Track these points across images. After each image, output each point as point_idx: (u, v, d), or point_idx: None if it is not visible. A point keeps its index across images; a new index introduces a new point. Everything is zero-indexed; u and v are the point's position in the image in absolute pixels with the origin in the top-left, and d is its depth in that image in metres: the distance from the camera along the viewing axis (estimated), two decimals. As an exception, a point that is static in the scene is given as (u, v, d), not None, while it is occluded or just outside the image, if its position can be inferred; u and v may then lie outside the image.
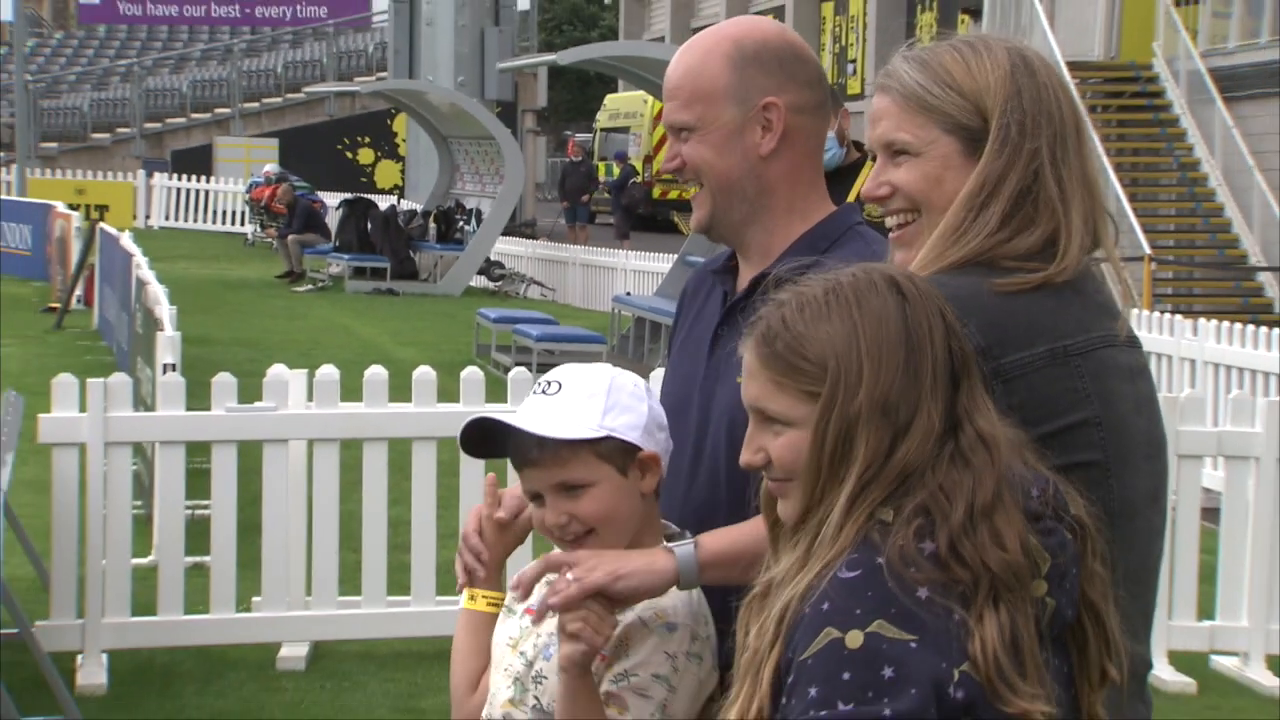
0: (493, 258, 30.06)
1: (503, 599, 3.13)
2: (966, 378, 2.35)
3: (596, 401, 2.95)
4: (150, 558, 8.40)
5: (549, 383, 3.01)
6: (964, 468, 2.27)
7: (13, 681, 6.87)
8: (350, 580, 8.34)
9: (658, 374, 3.62)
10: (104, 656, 8.01)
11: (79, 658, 7.96)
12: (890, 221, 2.84)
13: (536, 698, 2.95)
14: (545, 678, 2.93)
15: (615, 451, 2.94)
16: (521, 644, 3.03)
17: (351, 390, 8.43)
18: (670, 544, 2.92)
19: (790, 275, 2.46)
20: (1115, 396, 2.66)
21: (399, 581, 8.38)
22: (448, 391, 8.57)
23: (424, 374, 8.53)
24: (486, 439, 3.04)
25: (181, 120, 50.20)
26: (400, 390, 8.53)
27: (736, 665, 2.40)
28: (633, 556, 2.88)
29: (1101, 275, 2.81)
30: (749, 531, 2.82)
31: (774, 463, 2.38)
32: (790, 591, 2.28)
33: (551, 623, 2.89)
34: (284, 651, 8.14)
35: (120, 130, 49.57)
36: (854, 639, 2.15)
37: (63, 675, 7.48)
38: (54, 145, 46.78)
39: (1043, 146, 2.71)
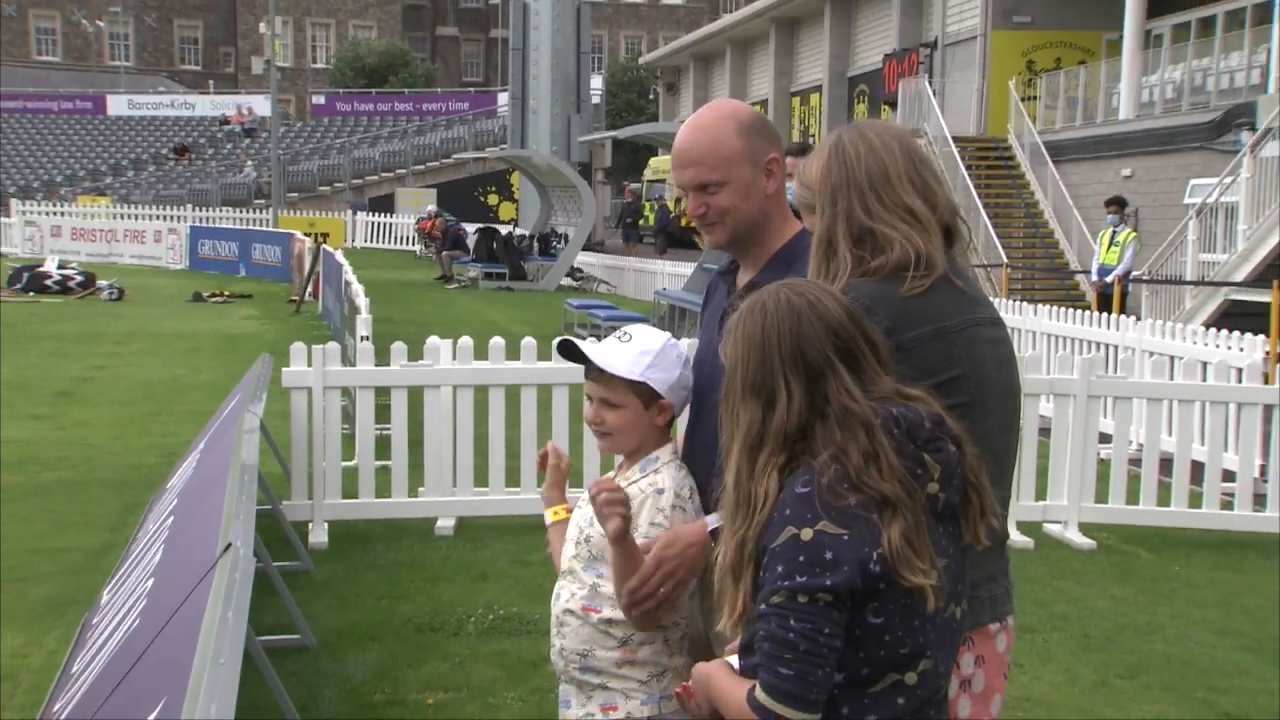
0: (575, 265, 30.10)
1: (568, 510, 3.10)
2: (829, 368, 2.30)
3: (646, 358, 2.93)
4: (353, 461, 8.49)
5: (625, 333, 3.00)
6: (846, 429, 2.25)
7: (267, 540, 6.94)
8: (481, 477, 8.42)
9: (688, 342, 3.59)
10: (325, 525, 8.12)
11: (309, 525, 8.08)
12: None
13: (588, 548, 2.94)
14: (590, 537, 2.94)
15: (645, 392, 2.93)
16: (579, 523, 3.01)
17: (480, 352, 8.51)
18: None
19: (740, 301, 2.46)
20: (979, 360, 2.64)
21: (513, 478, 8.48)
22: (544, 353, 8.64)
23: (528, 342, 8.59)
24: (573, 355, 2.99)
25: (375, 177, 50.43)
26: (514, 352, 8.56)
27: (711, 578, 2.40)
28: (684, 533, 2.87)
29: (976, 277, 2.78)
30: None
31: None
32: (740, 533, 2.28)
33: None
34: (439, 523, 8.21)
35: (336, 184, 49.79)
36: (806, 534, 2.17)
37: (299, 536, 7.66)
38: (295, 194, 46.99)
39: (853, 203, 2.68)
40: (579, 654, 2.93)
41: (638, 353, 2.95)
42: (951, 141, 26.17)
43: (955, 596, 2.31)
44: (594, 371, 2.96)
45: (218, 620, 3.33)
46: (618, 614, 2.88)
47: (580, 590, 2.95)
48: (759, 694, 2.19)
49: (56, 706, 4.74)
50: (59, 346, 17.39)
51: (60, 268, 26.65)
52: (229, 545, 3.99)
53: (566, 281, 29.18)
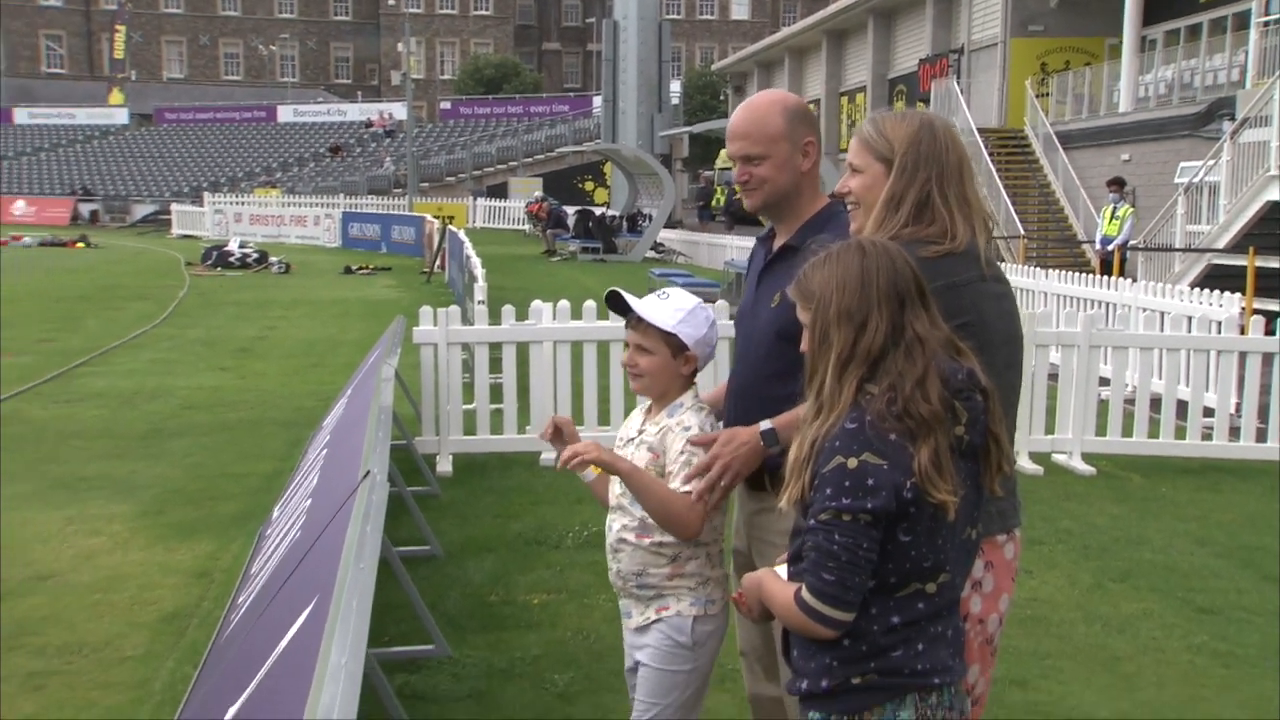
0: (658, 240, 29.99)
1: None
2: (910, 300, 2.25)
3: (679, 314, 2.91)
4: (472, 405, 8.55)
5: (665, 293, 2.99)
6: (909, 357, 2.21)
7: (402, 469, 7.04)
8: (578, 417, 8.38)
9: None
10: (450, 457, 8.15)
11: (437, 457, 8.12)
12: (849, 206, 2.79)
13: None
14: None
15: (675, 343, 2.90)
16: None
17: (576, 314, 8.47)
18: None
19: (820, 245, 2.37)
20: (984, 310, 2.60)
21: (604, 418, 8.49)
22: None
23: (589, 306, 8.59)
24: (618, 306, 2.96)
25: (491, 169, 50.53)
26: (604, 313, 8.45)
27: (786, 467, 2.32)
28: (740, 433, 2.84)
29: (982, 248, 2.68)
30: (794, 411, 2.71)
31: (804, 346, 2.34)
32: (816, 430, 2.23)
33: (631, 445, 2.93)
34: (543, 456, 8.19)
35: (460, 175, 49.98)
36: (852, 463, 2.15)
37: (428, 466, 7.75)
38: (426, 184, 47.27)
39: (931, 177, 2.64)
40: (634, 574, 2.92)
41: (673, 309, 2.93)
42: (976, 132, 25.71)
43: (972, 521, 2.29)
44: (634, 321, 2.93)
45: (358, 533, 3.38)
46: (666, 537, 2.87)
47: (630, 521, 2.92)
48: (805, 594, 2.20)
49: (240, 599, 4.85)
50: (239, 311, 17.68)
51: (240, 247, 27.08)
52: (368, 473, 4.04)
53: (650, 254, 29.11)
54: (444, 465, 8.06)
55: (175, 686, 4.48)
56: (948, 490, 2.16)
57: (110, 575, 5.81)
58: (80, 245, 32.66)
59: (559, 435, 2.99)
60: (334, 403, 8.09)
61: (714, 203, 40.33)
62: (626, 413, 8.65)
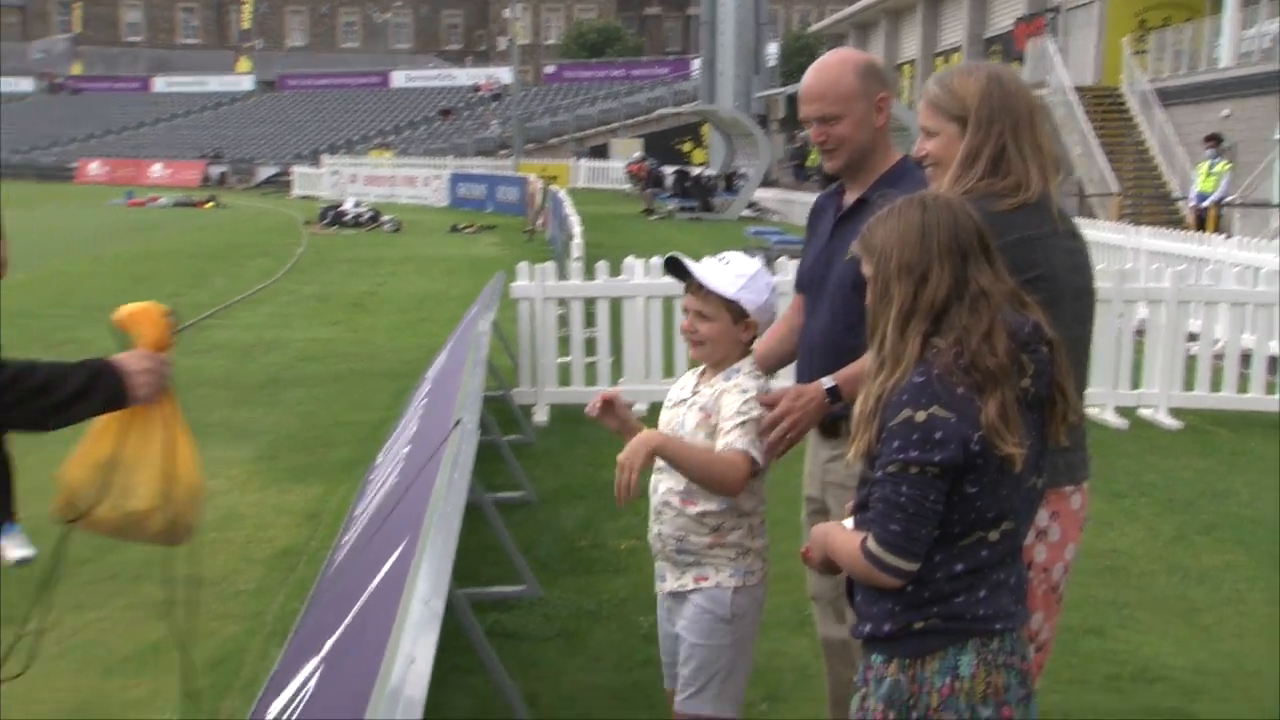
0: (753, 199, 29.73)
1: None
2: (973, 254, 2.18)
3: (741, 280, 2.78)
4: (568, 357, 8.59)
5: (724, 258, 2.84)
6: (974, 311, 2.15)
7: (500, 419, 7.13)
8: (669, 370, 8.39)
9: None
10: (546, 407, 8.21)
11: (533, 407, 8.19)
12: (927, 168, 2.74)
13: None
14: (681, 439, 2.76)
15: (735, 309, 2.78)
16: (670, 424, 2.86)
17: (669, 271, 8.46)
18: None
19: (884, 201, 2.31)
20: (1056, 264, 2.54)
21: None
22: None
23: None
24: (678, 271, 2.83)
25: (593, 130, 50.35)
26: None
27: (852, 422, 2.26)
28: (806, 389, 2.80)
29: (1054, 196, 2.63)
30: (855, 365, 2.71)
31: (868, 301, 2.29)
32: (880, 385, 2.18)
33: (683, 407, 2.82)
34: (635, 407, 8.09)
35: (563, 136, 49.97)
36: (920, 416, 2.10)
37: (525, 416, 7.82)
38: (531, 145, 47.31)
39: (1005, 129, 2.57)
40: (675, 539, 2.82)
41: (734, 275, 2.79)
42: (1072, 91, 24.93)
43: (1037, 470, 2.24)
44: (694, 286, 2.80)
45: (447, 478, 3.43)
46: (710, 506, 2.78)
47: (677, 485, 2.80)
48: (871, 544, 2.17)
49: (345, 539, 4.97)
50: (352, 268, 17.98)
51: (355, 206, 27.49)
52: (459, 421, 4.10)
53: (746, 212, 28.81)
54: (540, 415, 8.13)
55: (284, 619, 4.61)
56: (1014, 443, 2.11)
57: (228, 515, 5.99)
58: (210, 206, 33.51)
59: (609, 409, 2.84)
60: (436, 355, 8.19)
61: (808, 162, 39.80)
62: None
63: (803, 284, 3.15)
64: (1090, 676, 4.26)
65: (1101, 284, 8.22)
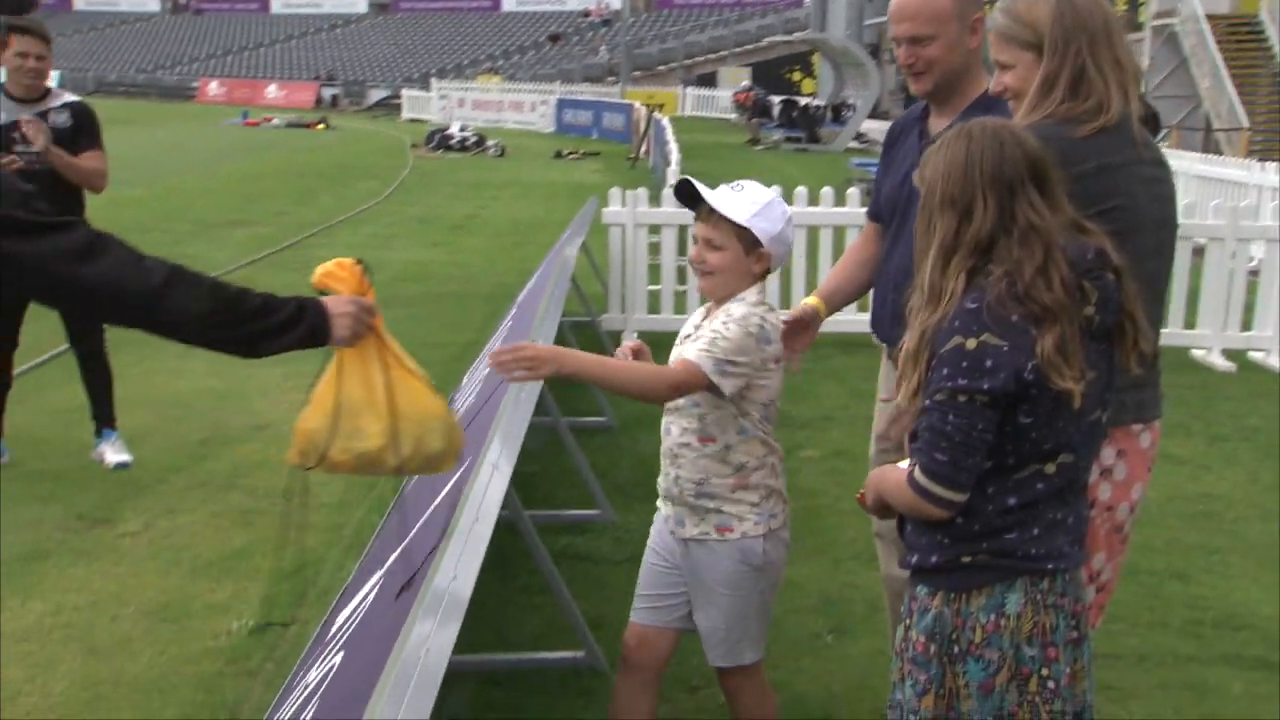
0: (860, 130, 29.11)
1: None
2: (1020, 186, 2.09)
3: (755, 207, 2.62)
4: (659, 285, 8.55)
5: (739, 185, 2.67)
6: (1025, 245, 2.07)
7: (588, 345, 7.15)
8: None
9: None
10: (634, 335, 8.14)
11: (622, 335, 8.15)
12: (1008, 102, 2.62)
13: None
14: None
15: (748, 239, 2.62)
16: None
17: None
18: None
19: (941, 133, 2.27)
20: (1136, 194, 2.43)
21: (785, 301, 8.36)
22: (813, 200, 8.45)
23: (800, 191, 8.40)
24: (688, 197, 2.67)
25: (702, 58, 49.67)
26: (791, 198, 8.39)
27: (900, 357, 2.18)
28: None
29: (1134, 125, 2.48)
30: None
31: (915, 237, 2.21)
32: (925, 320, 2.12)
33: (690, 342, 2.66)
34: None
35: (671, 64, 49.39)
36: (970, 343, 2.04)
37: (614, 343, 7.80)
38: (638, 72, 46.87)
39: (1083, 48, 2.45)
40: (695, 482, 2.69)
41: (748, 201, 2.63)
42: (1203, 19, 23.71)
43: (1102, 404, 2.16)
44: (704, 213, 2.65)
45: (511, 399, 3.44)
46: (731, 439, 2.66)
47: (690, 424, 2.67)
48: (917, 474, 2.13)
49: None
50: (456, 191, 18.12)
51: (461, 130, 27.63)
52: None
53: (853, 144, 28.22)
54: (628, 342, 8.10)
55: (362, 533, 4.71)
56: (1073, 377, 2.04)
57: (317, 429, 6.10)
58: (321, 127, 34.02)
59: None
60: (529, 280, 8.23)
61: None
62: (808, 293, 8.58)
63: (878, 212, 3.06)
64: (1170, 620, 4.15)
65: (1214, 221, 7.93)
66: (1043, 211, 2.11)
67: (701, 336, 2.62)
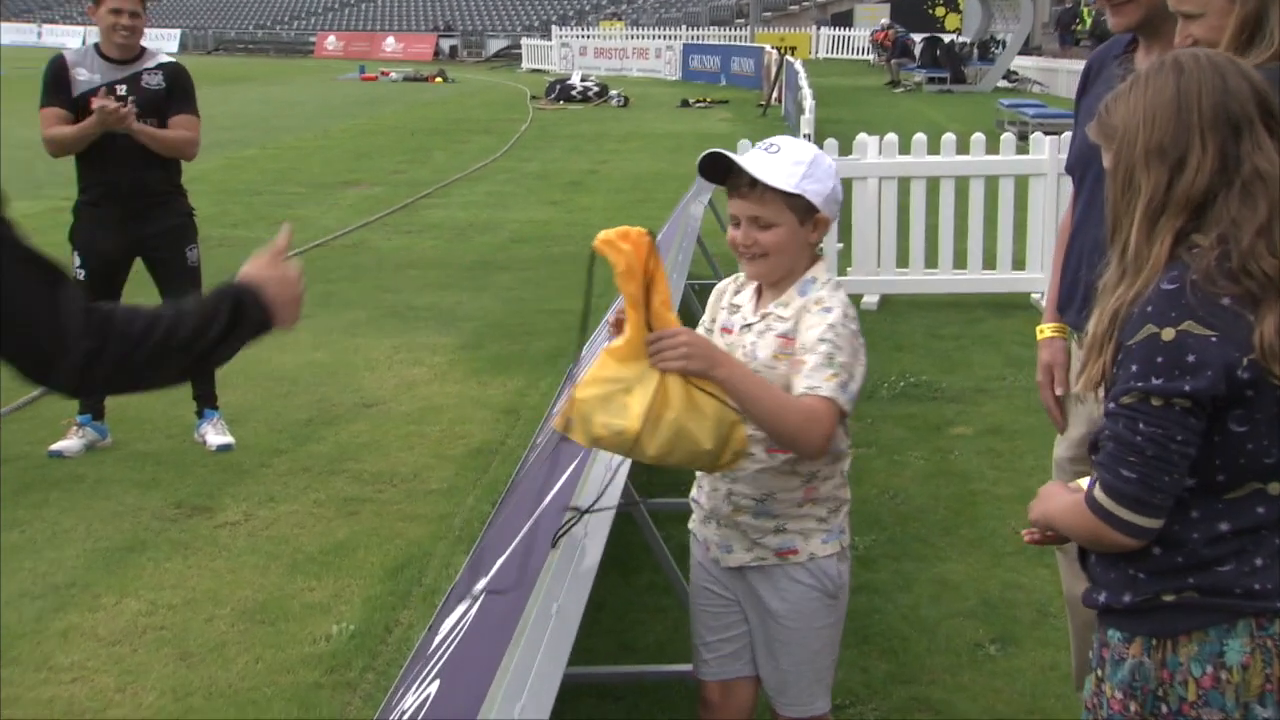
0: (1011, 68, 28.03)
1: None
2: (1247, 125, 1.79)
3: (800, 169, 2.29)
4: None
5: (771, 144, 2.35)
6: (1247, 200, 1.77)
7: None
8: (903, 259, 7.93)
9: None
10: (766, 297, 7.98)
11: (752, 297, 7.96)
12: None
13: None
14: (758, 371, 2.29)
15: (801, 207, 2.30)
16: (733, 354, 2.33)
17: (905, 148, 7.95)
18: None
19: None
20: None
21: (931, 260, 7.96)
22: (963, 146, 8.01)
23: (948, 138, 7.97)
24: (717, 171, 2.33)
25: (836, -5, 48.73)
26: (936, 147, 7.96)
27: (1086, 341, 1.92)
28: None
29: None
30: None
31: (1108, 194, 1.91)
32: (1119, 298, 1.83)
33: (749, 333, 2.37)
34: (865, 299, 7.79)
35: (804, 3, 48.46)
36: (1168, 334, 1.76)
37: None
38: (769, 14, 46.07)
39: None
40: (756, 499, 2.39)
41: (791, 163, 2.30)
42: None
43: None
44: (743, 187, 2.31)
45: None
46: None
47: (756, 430, 2.28)
48: (1098, 493, 1.83)
49: (539, 439, 4.89)
50: (575, 144, 17.98)
51: (582, 80, 27.49)
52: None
53: (1002, 84, 27.24)
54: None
55: (472, 524, 4.55)
56: None
57: (426, 406, 6.01)
58: (438, 80, 34.26)
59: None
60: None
61: (1078, 26, 37.17)
62: (958, 256, 8.23)
63: (1075, 166, 2.71)
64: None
65: None
66: (1273, 154, 1.80)
67: (803, 346, 2.29)
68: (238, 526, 4.54)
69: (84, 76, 5.05)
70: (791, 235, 2.32)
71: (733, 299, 2.47)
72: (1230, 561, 1.82)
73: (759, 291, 2.42)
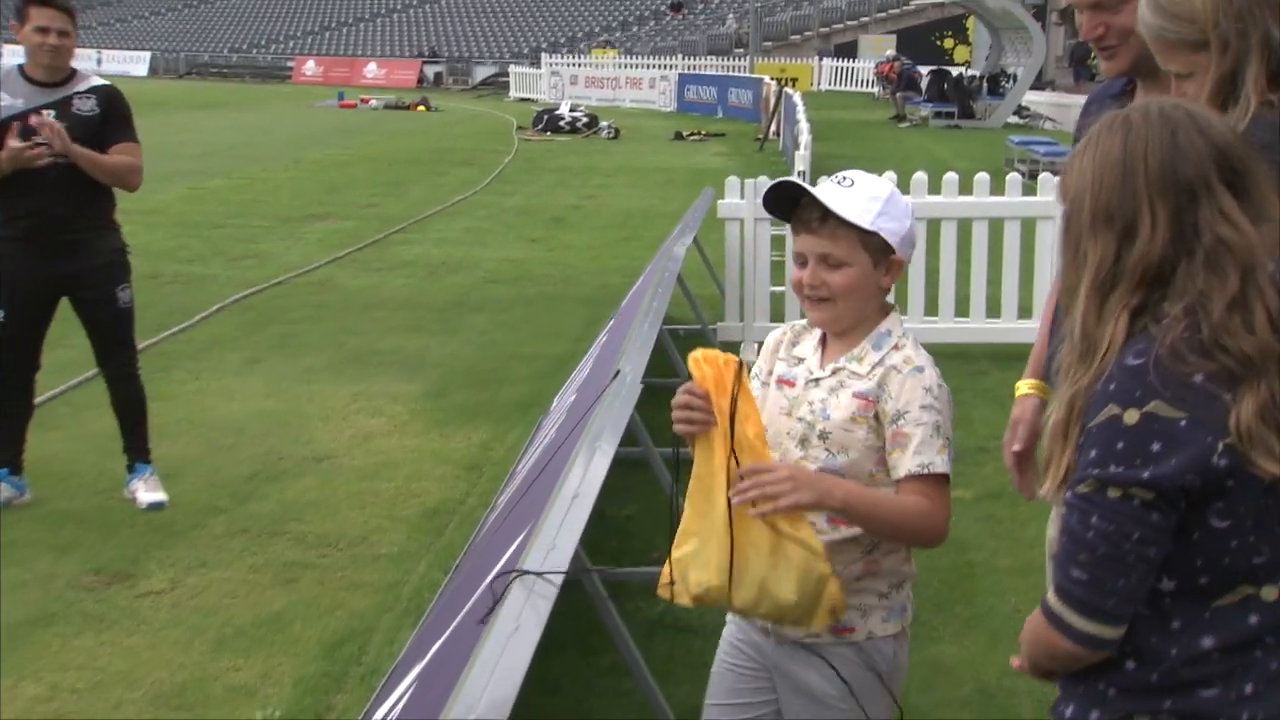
0: (1022, 104, 28.12)
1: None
2: (1205, 188, 1.67)
3: (876, 204, 2.21)
4: (782, 287, 8.10)
5: (845, 178, 2.26)
6: (1214, 270, 1.65)
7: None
8: (901, 303, 7.78)
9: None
10: (755, 346, 7.76)
11: (740, 346, 7.81)
12: None
13: (825, 445, 2.25)
14: (829, 432, 2.25)
15: (876, 247, 2.23)
16: (798, 413, 2.29)
17: (904, 187, 7.85)
18: None
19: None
20: None
21: (959, 306, 7.85)
22: (965, 187, 7.90)
23: (950, 177, 7.86)
24: (782, 205, 2.28)
25: (840, 25, 48.94)
26: (938, 186, 7.86)
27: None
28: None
29: None
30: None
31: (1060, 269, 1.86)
32: (1074, 382, 1.72)
33: (817, 389, 2.29)
34: None
35: (806, 33, 48.81)
36: (1130, 416, 1.63)
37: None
38: (769, 43, 46.36)
39: (1270, 26, 2.04)
40: None
41: (866, 198, 2.22)
42: None
43: None
44: (813, 221, 2.23)
45: (584, 449, 3.06)
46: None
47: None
48: (1050, 596, 1.70)
49: (502, 499, 4.72)
50: (561, 178, 17.92)
51: (571, 111, 27.52)
52: (618, 372, 3.72)
53: (1013, 119, 27.32)
54: (748, 354, 7.67)
55: (422, 594, 4.38)
56: None
57: (381, 461, 5.84)
58: (421, 109, 34.30)
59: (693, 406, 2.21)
60: (638, 280, 7.86)
61: (1093, 59, 37.40)
62: (960, 303, 8.10)
63: None
64: None
65: None
66: (1238, 220, 1.66)
67: (900, 415, 2.22)
68: (161, 596, 4.35)
69: (4, 101, 4.87)
70: (864, 277, 2.24)
71: (792, 350, 2.39)
72: (1215, 685, 1.66)
73: (823, 341, 2.34)
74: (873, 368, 2.26)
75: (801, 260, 2.28)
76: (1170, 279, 1.67)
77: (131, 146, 5.00)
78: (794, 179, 2.28)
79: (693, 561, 2.17)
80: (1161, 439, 1.62)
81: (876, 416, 2.24)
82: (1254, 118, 2.01)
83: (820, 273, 2.24)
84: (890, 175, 7.73)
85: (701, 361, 2.18)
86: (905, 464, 2.19)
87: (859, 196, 2.22)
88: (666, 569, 2.21)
